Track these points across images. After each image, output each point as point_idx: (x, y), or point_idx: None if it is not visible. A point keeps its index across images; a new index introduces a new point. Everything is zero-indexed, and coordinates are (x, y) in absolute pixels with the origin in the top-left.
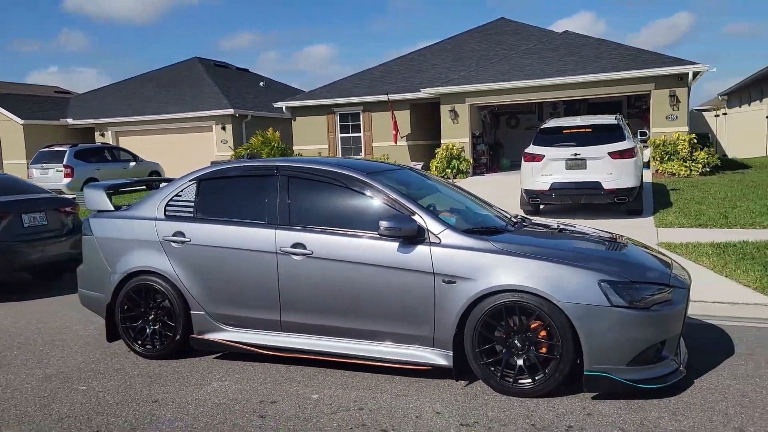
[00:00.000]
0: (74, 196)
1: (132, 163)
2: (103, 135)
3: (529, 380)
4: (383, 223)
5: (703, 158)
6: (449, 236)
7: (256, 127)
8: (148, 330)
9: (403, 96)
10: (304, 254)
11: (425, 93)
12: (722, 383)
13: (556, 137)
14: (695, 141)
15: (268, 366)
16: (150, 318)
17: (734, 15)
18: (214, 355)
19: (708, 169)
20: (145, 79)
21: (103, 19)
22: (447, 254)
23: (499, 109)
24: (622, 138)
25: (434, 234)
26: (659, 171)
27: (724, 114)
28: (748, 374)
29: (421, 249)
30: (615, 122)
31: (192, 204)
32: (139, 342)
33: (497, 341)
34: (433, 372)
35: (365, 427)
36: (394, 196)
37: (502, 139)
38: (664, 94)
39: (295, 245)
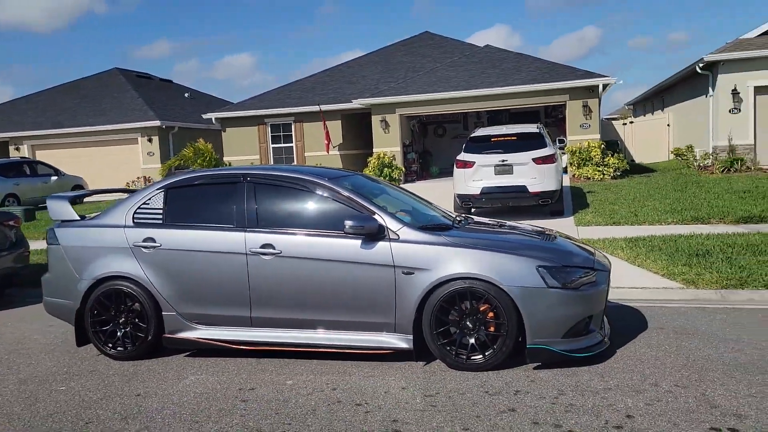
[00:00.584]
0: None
1: (54, 178)
2: (18, 149)
3: (481, 356)
4: (348, 223)
5: (614, 163)
6: (406, 233)
7: (184, 139)
8: (119, 333)
9: (335, 107)
10: (273, 254)
11: (357, 104)
12: (639, 351)
13: (484, 145)
14: (605, 148)
15: (240, 360)
16: (120, 321)
17: (638, 29)
18: (184, 354)
19: (618, 173)
20: (62, 90)
21: (5, 27)
22: (405, 249)
23: (427, 119)
24: (544, 145)
25: (393, 231)
26: (576, 176)
27: (631, 122)
28: (660, 343)
29: (382, 245)
30: (537, 131)
31: (160, 211)
32: (110, 344)
33: (451, 323)
34: (395, 355)
35: (341, 403)
36: (355, 198)
37: (430, 148)
38: (578, 105)
39: (264, 246)
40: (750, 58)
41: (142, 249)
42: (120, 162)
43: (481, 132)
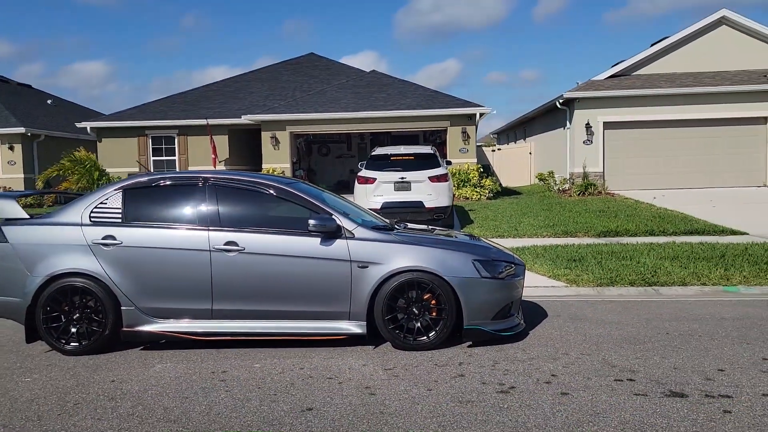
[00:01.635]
0: None
1: None
2: None
3: (425, 337)
4: (311, 222)
5: (489, 185)
6: (360, 232)
7: (50, 148)
8: (73, 328)
9: (222, 121)
10: (237, 250)
11: (246, 119)
12: (546, 332)
13: (384, 163)
14: (482, 171)
15: (200, 351)
16: (74, 317)
17: (494, 65)
18: (139, 348)
19: (492, 195)
20: None
21: None
22: (360, 245)
23: (313, 138)
24: (437, 165)
25: (348, 230)
26: (456, 195)
27: (499, 149)
28: (560, 326)
29: (339, 242)
30: (432, 152)
31: (119, 210)
32: (64, 340)
33: (400, 310)
34: (348, 340)
35: (313, 378)
36: (313, 200)
37: (314, 166)
38: (458, 131)
39: (228, 243)
40: (600, 97)
41: (102, 246)
42: None
43: (380, 151)
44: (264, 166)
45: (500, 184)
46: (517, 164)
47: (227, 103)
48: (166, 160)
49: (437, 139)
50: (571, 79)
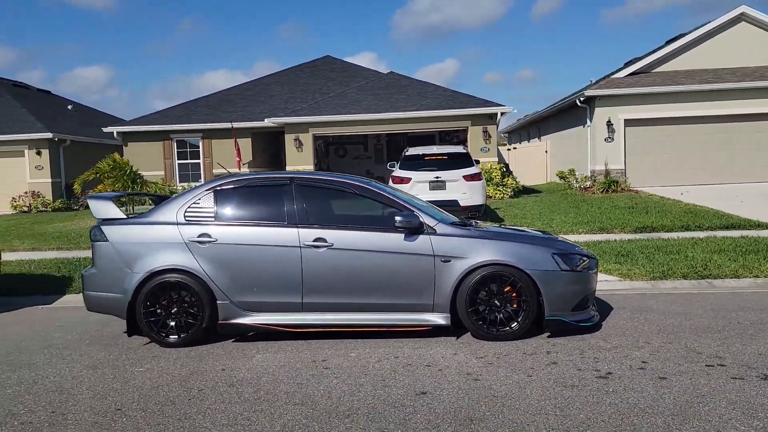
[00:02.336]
0: None
1: None
2: None
3: (507, 328)
4: (398, 218)
5: (512, 184)
6: (442, 227)
7: (76, 153)
8: (171, 322)
9: (246, 124)
10: (325, 246)
11: (269, 122)
12: (619, 323)
13: (418, 163)
14: (504, 170)
15: (291, 342)
16: (173, 311)
17: (492, 66)
18: (231, 340)
19: (514, 193)
20: None
21: None
22: (442, 240)
23: (332, 139)
24: (471, 164)
25: (430, 226)
26: None
27: (514, 148)
28: (630, 318)
29: (422, 238)
30: (465, 151)
31: (212, 210)
32: (164, 333)
33: (482, 302)
34: (429, 333)
35: (411, 366)
36: (395, 199)
37: (332, 167)
38: (479, 130)
39: (317, 239)
40: (620, 94)
41: (198, 244)
42: (3, 176)
43: (413, 151)
44: (288, 168)
45: (520, 183)
46: (533, 163)
47: (249, 106)
48: (191, 163)
49: (454, 138)
50: (570, 79)
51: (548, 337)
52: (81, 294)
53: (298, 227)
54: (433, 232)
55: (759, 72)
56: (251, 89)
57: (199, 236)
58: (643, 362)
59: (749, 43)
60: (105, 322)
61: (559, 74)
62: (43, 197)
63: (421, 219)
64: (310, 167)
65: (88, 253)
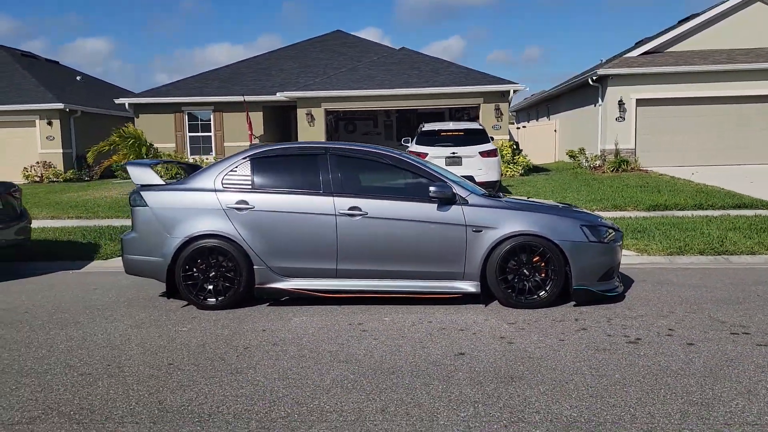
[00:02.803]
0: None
1: None
2: None
3: (536, 296)
4: (432, 188)
5: (523, 162)
6: (473, 198)
7: (86, 124)
8: (209, 286)
9: (258, 98)
10: (360, 215)
11: (281, 96)
12: (641, 294)
13: (435, 138)
14: (515, 147)
15: (328, 307)
16: (211, 275)
17: (497, 44)
18: (266, 304)
19: (524, 171)
20: None
21: None
22: (474, 211)
23: (342, 115)
24: (487, 140)
25: (462, 197)
26: None
27: (524, 127)
28: (652, 289)
29: (455, 208)
30: (481, 127)
31: (249, 178)
32: (202, 296)
33: (511, 271)
34: (458, 300)
35: (445, 330)
36: (428, 169)
37: None
38: (491, 108)
39: (352, 208)
40: (633, 74)
41: (236, 210)
42: (11, 146)
43: (429, 127)
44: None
45: (530, 161)
46: (542, 142)
47: (260, 80)
48: (202, 135)
49: (464, 116)
50: (576, 59)
51: (574, 306)
52: (109, 260)
53: (333, 196)
54: (465, 203)
55: None
56: (262, 63)
57: (237, 203)
58: (670, 329)
59: (764, 24)
60: (140, 287)
61: (566, 54)
62: (54, 167)
63: (453, 190)
64: None
65: (109, 222)
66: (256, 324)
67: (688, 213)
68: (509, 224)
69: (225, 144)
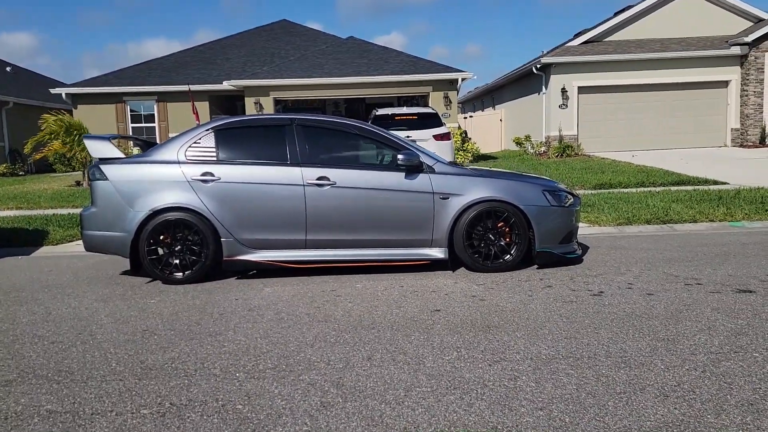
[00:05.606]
0: None
1: None
2: None
3: (501, 260)
4: (400, 156)
5: (472, 149)
6: (440, 167)
7: (20, 117)
8: (176, 260)
9: (203, 87)
10: (329, 184)
11: (228, 85)
12: (598, 257)
13: (389, 123)
14: (464, 135)
15: (298, 278)
16: (176, 249)
17: (437, 40)
18: (233, 277)
19: (473, 158)
20: None
21: None
22: (441, 179)
23: (292, 104)
24: (440, 124)
25: (429, 165)
26: None
27: (471, 116)
28: (606, 253)
29: (422, 176)
30: (434, 111)
31: (213, 149)
32: (168, 271)
33: (477, 237)
34: (424, 267)
35: (418, 292)
36: (395, 139)
37: None
38: (440, 96)
39: (320, 178)
40: (575, 62)
41: (201, 182)
42: None
43: (383, 111)
44: None
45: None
46: (489, 131)
47: (206, 69)
48: (146, 126)
49: (411, 105)
50: (515, 55)
51: (537, 269)
52: (59, 245)
53: (301, 166)
54: (432, 171)
55: (702, 42)
56: (206, 52)
57: (203, 175)
58: (629, 284)
59: (695, 15)
60: (97, 266)
61: (505, 50)
62: None
63: (420, 158)
64: None
65: (53, 211)
66: (227, 294)
67: (632, 190)
68: (475, 191)
69: (170, 134)
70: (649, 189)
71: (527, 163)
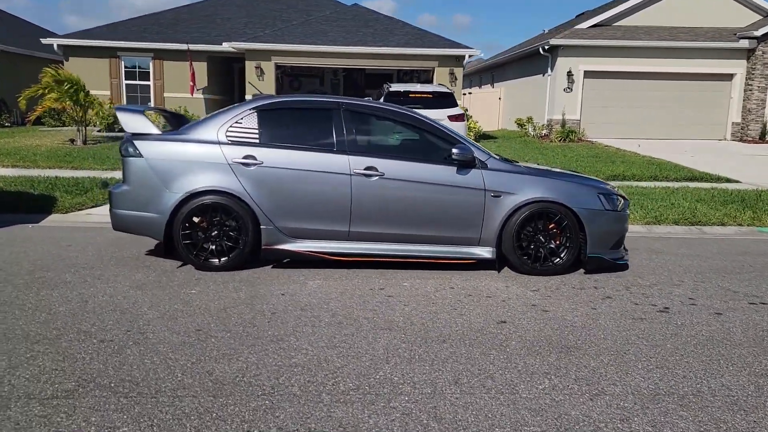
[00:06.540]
0: None
1: None
2: None
3: (550, 264)
4: (455, 150)
5: (474, 128)
6: (492, 162)
7: (8, 65)
8: (212, 245)
9: (202, 47)
10: (377, 175)
11: (229, 47)
12: (642, 263)
13: (403, 99)
14: (465, 112)
15: (339, 271)
16: (213, 234)
17: (426, 7)
18: (270, 266)
19: (475, 138)
20: None
21: None
22: (493, 176)
23: (291, 70)
24: (455, 104)
25: (481, 161)
26: None
27: (470, 93)
28: (649, 258)
29: (475, 172)
30: (449, 91)
31: (256, 131)
32: (203, 257)
33: (527, 238)
34: (469, 266)
35: (472, 296)
36: (449, 132)
37: None
38: (445, 72)
39: (368, 168)
40: (584, 45)
41: (242, 165)
42: None
43: (397, 87)
44: (247, 97)
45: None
46: (486, 109)
47: (204, 27)
48: (140, 84)
49: (413, 78)
50: (508, 30)
51: (584, 274)
52: (68, 214)
53: (348, 154)
54: (485, 167)
55: (710, 33)
56: (205, 10)
57: (244, 158)
58: (691, 300)
59: (706, 4)
60: (118, 243)
61: (496, 24)
62: None
63: (474, 153)
64: None
65: (56, 173)
66: (270, 287)
67: (646, 184)
68: (528, 190)
69: (165, 94)
70: (664, 184)
71: (530, 146)
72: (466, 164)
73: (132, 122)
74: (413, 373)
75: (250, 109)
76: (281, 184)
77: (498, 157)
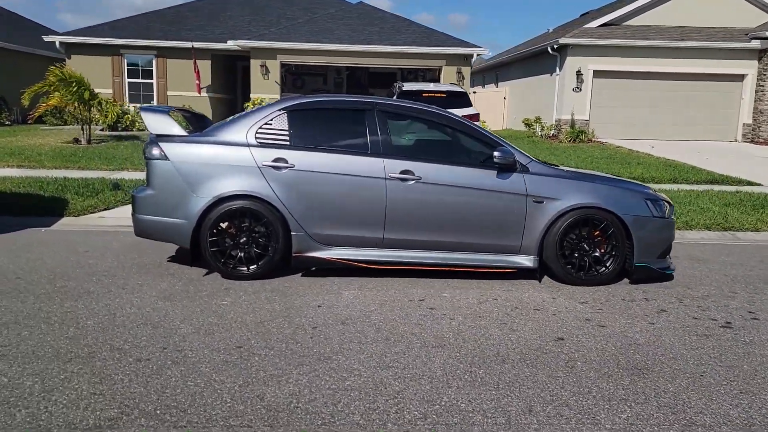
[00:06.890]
0: None
1: None
2: None
3: (595, 273)
4: (496, 154)
5: (485, 127)
6: (534, 166)
7: (7, 63)
8: (240, 252)
9: (206, 45)
10: (413, 179)
11: (234, 45)
12: (687, 272)
13: (415, 99)
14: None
15: (374, 280)
16: (242, 241)
17: (423, 6)
18: (299, 274)
19: None
20: None
21: None
22: (536, 180)
23: (295, 69)
24: (469, 104)
25: (523, 164)
26: None
27: (474, 92)
28: (692, 267)
29: (516, 176)
30: (463, 90)
31: (286, 133)
32: (231, 264)
33: (569, 246)
34: (507, 275)
35: (520, 310)
36: (488, 134)
37: None
38: (453, 71)
39: (404, 171)
40: (593, 45)
41: (273, 169)
42: None
43: (410, 86)
44: (252, 95)
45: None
46: (491, 109)
47: (208, 25)
48: (143, 82)
49: (418, 78)
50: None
51: (629, 284)
52: (80, 217)
53: (383, 157)
54: (526, 171)
55: (721, 33)
56: (207, 7)
57: (275, 161)
58: (750, 312)
59: (717, 4)
60: (137, 249)
61: (494, 23)
62: None
63: (515, 156)
64: (276, 96)
65: (61, 173)
66: (304, 298)
67: (666, 186)
68: (572, 195)
69: (168, 93)
70: (686, 187)
71: (539, 146)
72: (506, 168)
73: (156, 123)
74: (480, 399)
75: (279, 110)
76: (313, 188)
77: (539, 161)
